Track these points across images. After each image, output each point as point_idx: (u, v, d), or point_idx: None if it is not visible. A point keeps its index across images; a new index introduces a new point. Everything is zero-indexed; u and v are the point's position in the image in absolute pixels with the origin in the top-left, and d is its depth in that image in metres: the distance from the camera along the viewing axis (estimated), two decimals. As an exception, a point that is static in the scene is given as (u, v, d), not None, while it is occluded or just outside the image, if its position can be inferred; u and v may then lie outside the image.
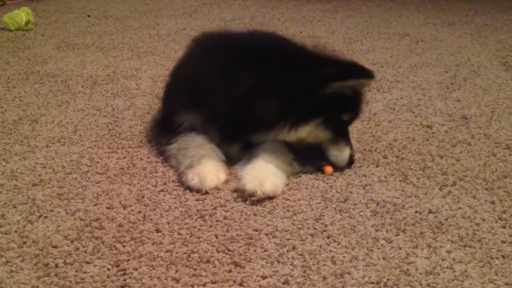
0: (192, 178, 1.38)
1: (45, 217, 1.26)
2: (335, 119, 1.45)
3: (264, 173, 1.37)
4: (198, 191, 1.38)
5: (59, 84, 2.22)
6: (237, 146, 1.49)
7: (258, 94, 1.39)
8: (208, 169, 1.40)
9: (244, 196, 1.34)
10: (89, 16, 3.74)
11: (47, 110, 1.93)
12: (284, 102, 1.38)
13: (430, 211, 1.31)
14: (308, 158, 1.49)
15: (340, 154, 1.49)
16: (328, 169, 1.50)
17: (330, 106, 1.42)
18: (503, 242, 1.20)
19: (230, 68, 1.45)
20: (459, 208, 1.33)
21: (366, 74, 1.43)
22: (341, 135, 1.49)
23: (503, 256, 1.14)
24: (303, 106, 1.39)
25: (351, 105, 1.49)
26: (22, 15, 3.18)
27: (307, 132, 1.42)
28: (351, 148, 1.52)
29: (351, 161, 1.51)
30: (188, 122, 1.49)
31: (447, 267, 1.11)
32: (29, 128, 1.76)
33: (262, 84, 1.40)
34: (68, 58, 2.64)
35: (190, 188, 1.39)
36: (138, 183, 1.43)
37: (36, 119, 1.84)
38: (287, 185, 1.42)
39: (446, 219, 1.28)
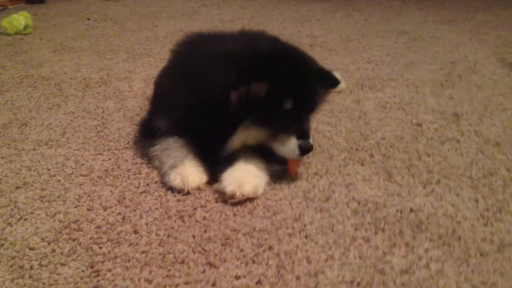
0: (175, 178, 1.38)
1: (25, 219, 1.26)
2: (269, 113, 1.38)
3: (244, 174, 1.36)
4: (180, 191, 1.37)
5: (52, 87, 2.23)
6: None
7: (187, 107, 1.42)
8: (190, 169, 1.40)
9: (225, 198, 1.34)
10: (88, 19, 3.75)
11: (38, 113, 1.94)
12: (203, 116, 1.38)
13: (411, 210, 1.30)
14: (274, 159, 1.45)
15: (284, 147, 1.40)
16: (291, 168, 1.46)
17: (251, 107, 1.35)
18: (483, 240, 1.18)
19: (182, 78, 1.49)
20: (441, 206, 1.32)
21: (274, 70, 1.36)
22: (282, 127, 1.40)
23: (481, 254, 1.13)
24: (219, 118, 1.36)
25: (292, 91, 1.39)
26: (20, 19, 3.21)
27: (241, 140, 1.40)
28: (303, 136, 1.41)
29: (303, 151, 1.40)
30: (164, 127, 1.50)
31: (423, 266, 1.10)
32: (18, 131, 1.77)
33: (188, 96, 1.43)
34: (63, 61, 2.65)
35: (172, 189, 1.39)
36: (121, 184, 1.43)
37: (26, 122, 1.84)
38: (269, 184, 1.42)
39: (427, 218, 1.27)
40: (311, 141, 1.43)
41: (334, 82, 1.66)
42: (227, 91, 1.32)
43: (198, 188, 1.39)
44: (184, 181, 1.37)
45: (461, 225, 1.24)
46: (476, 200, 1.35)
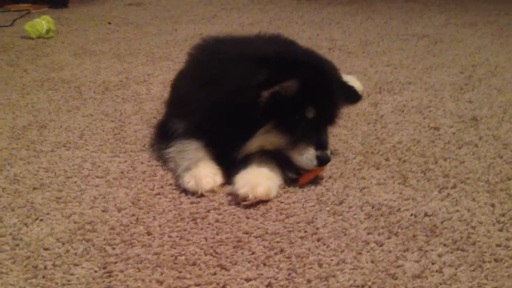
0: (188, 181, 1.39)
1: (41, 220, 1.28)
2: (291, 121, 1.38)
3: (258, 177, 1.36)
4: (194, 193, 1.38)
5: (72, 90, 2.26)
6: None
7: (207, 111, 1.41)
8: (205, 172, 1.41)
9: (238, 200, 1.34)
10: (109, 23, 3.79)
11: (57, 115, 1.97)
12: (223, 117, 1.37)
13: (426, 214, 1.29)
14: (288, 166, 1.44)
15: (302, 157, 1.40)
16: (303, 178, 1.45)
17: (276, 110, 1.35)
18: (497, 245, 1.17)
19: (201, 81, 1.49)
20: (457, 211, 1.31)
21: (303, 72, 1.35)
22: (302, 135, 1.39)
23: (495, 260, 1.12)
24: (242, 119, 1.35)
25: (316, 99, 1.39)
26: (43, 23, 3.26)
27: (259, 144, 1.40)
28: (322, 147, 1.40)
29: (320, 162, 1.40)
30: (180, 129, 1.51)
31: (436, 271, 1.08)
32: (37, 133, 1.80)
33: (208, 100, 1.41)
34: (84, 64, 2.68)
35: (186, 191, 1.40)
36: (136, 186, 1.44)
37: (45, 125, 1.87)
38: (283, 187, 1.42)
39: (441, 222, 1.25)
40: (329, 152, 1.42)
41: (355, 98, 1.63)
42: (256, 91, 1.32)
43: (212, 191, 1.40)
44: (198, 184, 1.38)
45: (476, 230, 1.22)
46: (492, 205, 1.33)
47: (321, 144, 1.41)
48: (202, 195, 1.38)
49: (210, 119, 1.42)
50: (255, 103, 1.33)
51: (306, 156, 1.40)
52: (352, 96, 1.61)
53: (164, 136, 1.58)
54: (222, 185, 1.43)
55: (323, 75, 1.44)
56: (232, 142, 1.40)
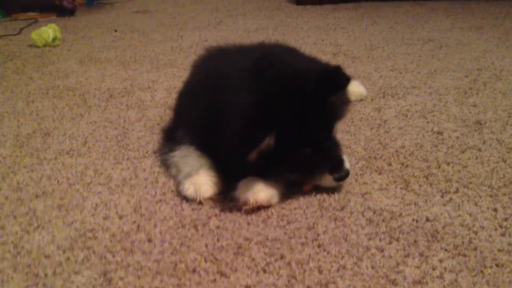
0: (188, 188, 1.39)
1: (43, 227, 1.29)
2: (285, 162, 1.33)
3: (260, 183, 1.36)
4: (193, 200, 1.38)
5: (76, 98, 2.28)
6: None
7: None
8: (205, 180, 1.41)
9: (239, 205, 1.34)
10: (115, 31, 3.82)
11: (61, 123, 1.98)
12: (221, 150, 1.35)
13: (427, 219, 1.28)
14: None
15: (321, 181, 1.40)
16: (308, 185, 1.44)
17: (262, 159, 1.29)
18: (499, 250, 1.16)
19: (196, 100, 1.51)
20: (459, 215, 1.30)
21: (272, 125, 1.25)
22: (310, 168, 1.37)
23: (497, 265, 1.11)
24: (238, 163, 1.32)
25: (306, 136, 1.31)
26: (49, 31, 3.29)
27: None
28: (336, 168, 1.37)
29: (340, 181, 1.40)
30: (185, 137, 1.51)
31: (437, 277, 1.08)
32: (41, 141, 1.81)
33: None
34: (89, 72, 2.70)
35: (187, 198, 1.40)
36: (138, 193, 1.45)
37: (49, 132, 1.88)
38: (285, 193, 1.41)
39: (443, 227, 1.25)
40: (346, 163, 1.39)
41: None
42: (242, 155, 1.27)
43: (211, 199, 1.39)
44: (196, 191, 1.38)
45: (478, 235, 1.22)
46: (495, 210, 1.32)
47: (334, 166, 1.38)
48: (200, 203, 1.38)
49: (207, 142, 1.42)
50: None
51: (325, 182, 1.40)
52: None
53: (170, 140, 1.60)
54: (222, 193, 1.42)
55: (309, 105, 1.28)
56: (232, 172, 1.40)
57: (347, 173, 1.40)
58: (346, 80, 1.30)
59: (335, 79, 1.29)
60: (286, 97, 1.25)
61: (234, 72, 1.39)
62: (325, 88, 1.28)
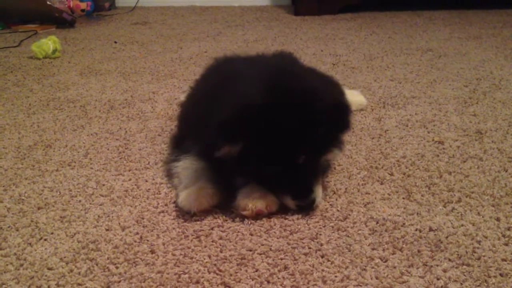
0: (182, 200, 1.38)
1: (45, 239, 1.29)
2: (265, 171, 1.34)
3: (260, 190, 1.36)
4: (187, 212, 1.38)
5: (77, 109, 2.28)
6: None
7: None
8: (202, 192, 1.39)
9: (238, 211, 1.35)
10: (115, 42, 3.82)
11: (62, 135, 1.98)
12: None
13: (430, 229, 1.28)
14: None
15: (287, 203, 1.37)
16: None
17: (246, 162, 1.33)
18: (503, 260, 1.16)
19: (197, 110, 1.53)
20: (462, 225, 1.30)
21: (240, 136, 1.29)
22: (273, 187, 1.37)
23: (501, 275, 1.11)
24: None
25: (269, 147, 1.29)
26: (49, 43, 3.29)
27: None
28: (300, 195, 1.35)
29: (302, 210, 1.37)
30: (189, 147, 1.51)
31: (441, 286, 1.07)
32: (42, 152, 1.81)
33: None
34: (89, 83, 2.70)
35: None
36: (140, 204, 1.44)
37: (50, 144, 1.88)
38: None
39: (446, 237, 1.25)
40: (315, 194, 1.35)
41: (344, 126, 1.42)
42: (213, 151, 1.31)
43: (206, 211, 1.38)
44: (191, 203, 1.37)
45: (481, 244, 1.22)
46: (498, 219, 1.32)
47: (298, 193, 1.35)
48: (195, 215, 1.37)
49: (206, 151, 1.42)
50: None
51: (288, 204, 1.37)
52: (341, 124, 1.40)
53: (177, 148, 1.60)
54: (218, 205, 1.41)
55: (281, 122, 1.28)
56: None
57: (310, 203, 1.35)
58: (347, 125, 1.37)
59: (336, 119, 1.36)
60: (266, 117, 1.26)
61: (238, 84, 1.40)
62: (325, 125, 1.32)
